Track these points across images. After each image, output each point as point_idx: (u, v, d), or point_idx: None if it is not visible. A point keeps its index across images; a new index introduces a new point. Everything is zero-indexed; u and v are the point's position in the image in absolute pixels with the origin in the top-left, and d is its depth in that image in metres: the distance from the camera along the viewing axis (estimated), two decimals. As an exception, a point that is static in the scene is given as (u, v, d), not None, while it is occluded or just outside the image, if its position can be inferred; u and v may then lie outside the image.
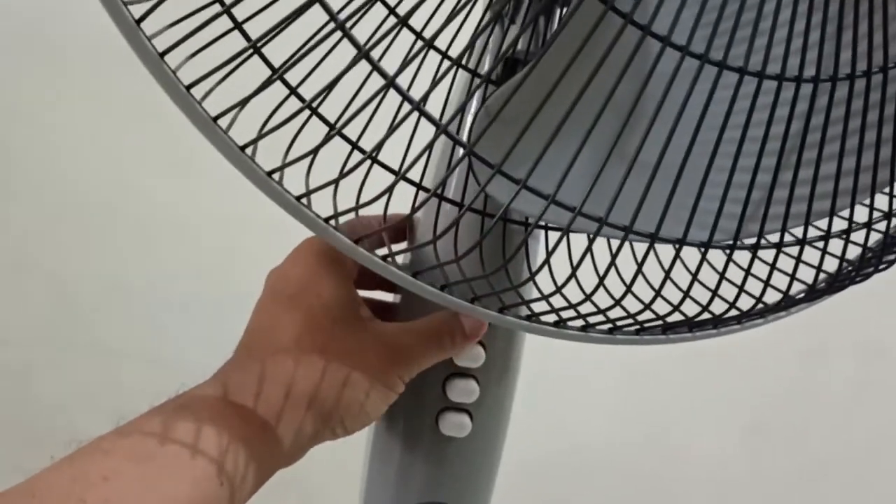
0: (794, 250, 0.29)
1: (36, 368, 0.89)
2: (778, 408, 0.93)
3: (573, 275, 0.27)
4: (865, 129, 0.26)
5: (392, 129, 0.25)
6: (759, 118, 0.27)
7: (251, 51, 0.24)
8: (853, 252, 0.32)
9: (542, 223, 0.30)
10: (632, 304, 0.30)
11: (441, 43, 0.34)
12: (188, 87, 0.23)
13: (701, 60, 0.23)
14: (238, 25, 0.26)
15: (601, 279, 0.27)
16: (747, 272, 0.27)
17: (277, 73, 0.24)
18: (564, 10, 0.34)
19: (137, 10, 0.23)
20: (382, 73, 0.24)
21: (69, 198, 0.88)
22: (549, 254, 0.26)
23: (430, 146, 0.25)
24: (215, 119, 0.24)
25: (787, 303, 0.29)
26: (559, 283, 0.29)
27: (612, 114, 0.26)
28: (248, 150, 0.24)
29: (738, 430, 0.93)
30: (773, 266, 0.28)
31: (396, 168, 0.30)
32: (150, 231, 0.89)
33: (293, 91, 0.28)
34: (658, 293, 0.27)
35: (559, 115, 0.26)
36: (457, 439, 0.40)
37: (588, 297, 0.29)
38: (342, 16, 0.23)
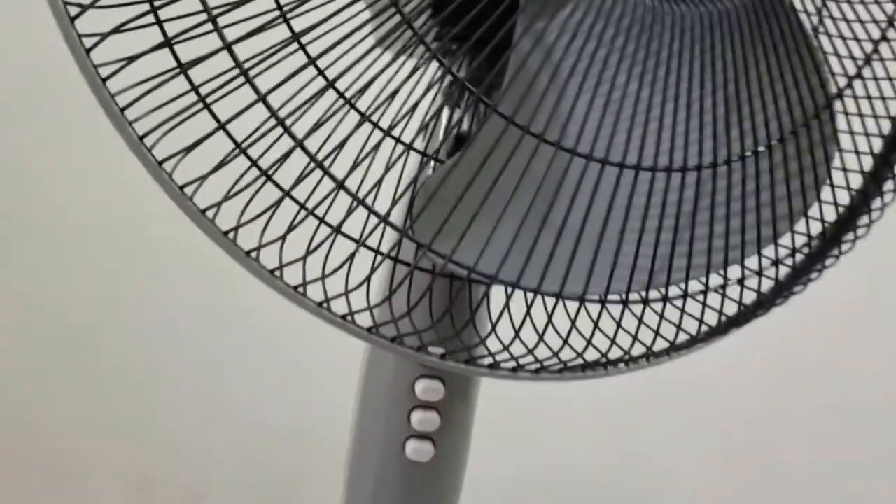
0: (680, 302, 0.35)
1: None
2: (752, 429, 0.98)
3: (495, 323, 0.33)
4: (715, 207, 0.32)
5: (348, 213, 0.32)
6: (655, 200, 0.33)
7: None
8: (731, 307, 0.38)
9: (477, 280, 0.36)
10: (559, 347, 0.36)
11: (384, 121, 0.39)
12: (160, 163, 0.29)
13: (587, 159, 0.29)
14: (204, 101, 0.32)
15: (517, 330, 0.33)
16: (620, 324, 0.33)
17: (222, 125, 0.30)
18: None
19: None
20: (330, 176, 0.30)
21: (77, 227, 0.94)
22: (475, 310, 0.32)
23: (375, 228, 0.31)
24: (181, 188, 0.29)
25: (672, 349, 0.35)
26: (492, 328, 0.35)
27: (530, 195, 0.32)
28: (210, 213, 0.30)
29: (716, 451, 0.98)
30: (640, 320, 0.34)
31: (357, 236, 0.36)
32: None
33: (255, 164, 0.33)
34: (565, 341, 0.33)
35: (482, 193, 0.32)
36: (421, 463, 0.46)
37: (516, 337, 0.35)
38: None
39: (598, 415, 0.96)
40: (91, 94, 0.29)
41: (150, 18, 0.29)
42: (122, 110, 0.27)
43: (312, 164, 0.29)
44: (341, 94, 0.35)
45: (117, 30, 0.29)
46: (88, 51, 0.27)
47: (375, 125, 0.36)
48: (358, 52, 0.33)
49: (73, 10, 0.27)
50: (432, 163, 0.40)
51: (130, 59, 0.29)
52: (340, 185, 0.29)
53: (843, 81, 0.36)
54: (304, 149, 0.29)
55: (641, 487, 0.98)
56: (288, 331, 0.93)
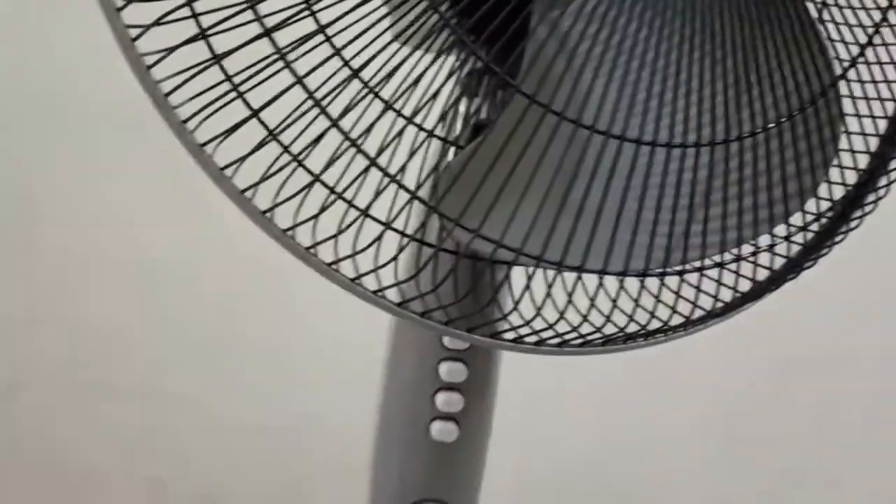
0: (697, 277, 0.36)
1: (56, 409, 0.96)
2: (753, 417, 1.00)
3: (519, 299, 0.35)
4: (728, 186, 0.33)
5: (377, 195, 0.33)
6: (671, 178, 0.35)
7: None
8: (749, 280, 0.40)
9: (499, 259, 0.37)
10: (577, 322, 0.38)
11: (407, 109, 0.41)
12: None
13: (606, 136, 0.31)
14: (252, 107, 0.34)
15: (541, 303, 0.35)
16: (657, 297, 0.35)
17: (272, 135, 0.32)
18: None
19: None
20: (363, 152, 0.31)
21: (90, 251, 0.96)
22: (500, 285, 0.34)
23: (403, 208, 0.33)
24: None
25: (688, 324, 0.37)
26: (517, 307, 0.37)
27: (550, 173, 0.34)
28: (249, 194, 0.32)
29: (716, 440, 0.99)
30: (677, 292, 0.35)
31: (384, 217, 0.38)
32: (158, 280, 0.96)
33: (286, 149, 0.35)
34: (585, 317, 0.35)
35: (504, 174, 0.33)
36: (446, 443, 0.47)
37: (538, 314, 0.37)
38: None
39: (598, 407, 0.97)
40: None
41: (187, 11, 0.31)
42: (167, 95, 0.29)
43: (344, 145, 0.31)
44: (365, 84, 0.37)
45: (157, 22, 0.30)
46: (134, 39, 0.29)
47: (399, 112, 0.38)
48: (379, 43, 0.35)
49: (119, 3, 0.29)
50: (452, 149, 0.42)
51: (170, 50, 0.31)
52: (373, 161, 0.31)
53: (847, 64, 0.37)
54: (338, 128, 0.30)
55: (640, 481, 0.99)
56: (294, 335, 0.96)
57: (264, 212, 0.31)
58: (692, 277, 0.37)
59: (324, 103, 0.31)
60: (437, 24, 0.35)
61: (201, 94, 0.32)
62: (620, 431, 0.98)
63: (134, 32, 0.29)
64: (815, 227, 0.39)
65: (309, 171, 0.35)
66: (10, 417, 0.95)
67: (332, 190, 0.35)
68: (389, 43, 0.37)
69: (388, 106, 0.35)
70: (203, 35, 0.31)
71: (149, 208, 0.95)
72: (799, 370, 0.99)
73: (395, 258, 0.34)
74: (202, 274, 0.96)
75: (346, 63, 0.37)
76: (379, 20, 0.36)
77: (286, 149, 0.34)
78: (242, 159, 0.31)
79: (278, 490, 0.97)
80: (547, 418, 0.96)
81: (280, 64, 0.30)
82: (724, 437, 0.99)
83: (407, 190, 0.32)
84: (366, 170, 0.31)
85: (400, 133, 0.35)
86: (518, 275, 0.39)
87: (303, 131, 0.32)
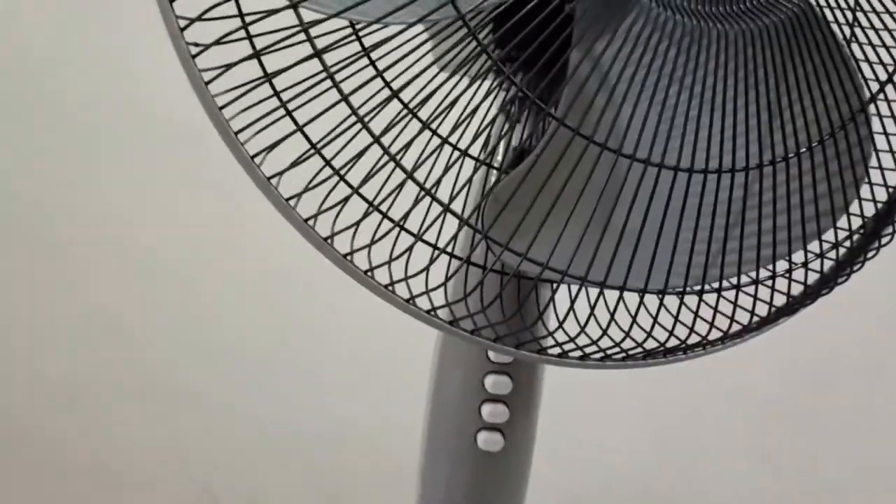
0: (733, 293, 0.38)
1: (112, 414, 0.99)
2: (788, 431, 1.00)
3: (565, 317, 0.37)
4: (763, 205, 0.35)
5: (415, 203, 0.36)
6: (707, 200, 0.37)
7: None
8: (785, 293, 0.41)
9: (545, 279, 0.39)
10: (619, 337, 0.40)
11: (455, 137, 0.43)
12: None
13: (645, 164, 0.33)
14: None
15: (586, 320, 0.36)
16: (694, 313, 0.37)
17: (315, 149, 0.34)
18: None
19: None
20: (418, 183, 0.34)
21: (146, 265, 0.99)
22: (547, 303, 0.36)
23: (455, 236, 0.35)
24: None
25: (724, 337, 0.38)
26: (560, 323, 0.39)
27: (593, 198, 0.36)
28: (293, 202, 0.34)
29: (748, 454, 1.00)
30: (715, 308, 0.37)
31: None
32: (201, 290, 0.99)
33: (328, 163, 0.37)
34: (627, 333, 0.37)
35: (551, 200, 0.35)
36: (492, 453, 0.49)
37: (582, 331, 0.39)
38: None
39: (639, 415, 0.98)
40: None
41: (242, 33, 0.34)
42: (221, 109, 0.32)
43: (385, 162, 0.33)
44: (405, 105, 0.39)
45: (218, 42, 0.33)
46: (194, 57, 0.31)
47: (434, 132, 0.40)
48: (419, 66, 0.37)
49: (183, 23, 0.32)
50: (493, 172, 0.44)
51: (228, 67, 0.33)
52: (409, 175, 0.33)
53: (875, 86, 0.39)
54: (380, 144, 0.33)
55: (681, 489, 1.00)
56: (338, 346, 0.98)
57: (326, 238, 0.34)
58: (729, 294, 0.39)
59: (366, 120, 0.33)
60: (474, 51, 0.37)
61: (250, 107, 0.34)
62: (661, 440, 0.99)
63: (194, 49, 0.32)
64: (847, 243, 0.40)
65: (349, 185, 0.37)
66: (65, 424, 0.98)
67: (389, 218, 0.37)
68: (429, 66, 0.39)
69: (425, 126, 0.37)
70: (256, 55, 0.33)
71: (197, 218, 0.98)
72: (838, 376, 0.99)
73: (448, 279, 0.36)
74: (248, 286, 0.99)
75: (386, 84, 0.40)
76: (419, 45, 0.39)
77: (328, 163, 0.36)
78: (283, 172, 0.34)
79: (322, 498, 0.99)
80: (587, 428, 0.97)
81: (326, 83, 0.33)
82: (763, 445, 1.00)
83: (453, 212, 0.34)
84: (401, 184, 0.34)
85: (437, 150, 0.38)
86: (561, 293, 0.41)
87: (343, 147, 0.34)
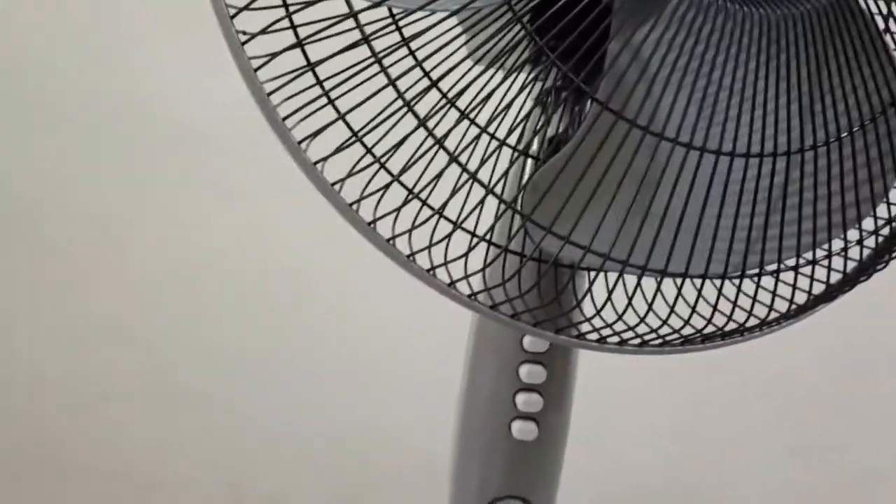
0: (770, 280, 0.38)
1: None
2: (825, 420, 0.99)
3: (604, 303, 0.37)
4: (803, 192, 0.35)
5: (454, 191, 0.36)
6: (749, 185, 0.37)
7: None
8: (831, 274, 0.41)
9: (584, 266, 0.40)
10: (655, 324, 0.40)
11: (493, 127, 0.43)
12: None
13: (687, 147, 0.33)
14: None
15: (627, 304, 0.37)
16: (734, 298, 0.37)
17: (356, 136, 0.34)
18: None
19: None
20: (461, 166, 0.34)
21: (146, 265, 1.00)
22: (587, 291, 0.36)
23: (495, 222, 0.35)
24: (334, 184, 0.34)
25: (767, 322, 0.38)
26: (599, 310, 0.39)
27: (634, 183, 0.36)
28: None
29: (779, 445, 0.99)
30: (751, 294, 0.37)
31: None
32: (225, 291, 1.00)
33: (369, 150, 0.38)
34: (665, 320, 0.37)
35: (592, 186, 0.36)
36: (527, 442, 0.49)
37: (619, 318, 0.39)
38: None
39: (669, 404, 0.98)
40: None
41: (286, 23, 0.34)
42: (269, 94, 0.32)
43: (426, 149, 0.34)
44: (444, 94, 0.39)
45: (264, 31, 0.33)
46: (243, 44, 0.32)
47: (472, 121, 0.40)
48: (457, 56, 0.38)
49: (231, 11, 0.32)
50: (530, 162, 0.44)
51: (273, 56, 0.34)
52: (454, 158, 0.33)
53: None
54: (426, 127, 0.33)
55: (711, 486, 1.00)
56: (357, 347, 0.98)
57: (370, 223, 0.34)
58: (767, 281, 0.39)
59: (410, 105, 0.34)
60: (514, 39, 0.37)
61: (295, 95, 0.35)
62: (690, 431, 0.99)
63: (243, 38, 0.32)
64: (885, 231, 0.40)
65: (389, 172, 0.37)
66: (65, 424, 0.99)
67: (428, 205, 0.37)
68: (465, 58, 0.39)
69: (464, 115, 0.37)
70: (300, 44, 0.34)
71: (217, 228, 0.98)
72: (876, 363, 0.98)
73: (486, 265, 0.36)
74: (268, 286, 0.99)
75: (426, 74, 0.40)
76: (456, 36, 0.39)
77: (369, 150, 0.36)
78: (326, 158, 0.34)
79: (347, 494, 1.00)
80: (619, 418, 0.97)
81: (366, 73, 0.33)
82: (796, 435, 0.99)
83: (495, 194, 0.34)
84: (441, 171, 0.34)
85: (475, 140, 0.38)
86: (598, 281, 0.41)
87: (387, 133, 0.34)
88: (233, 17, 0.32)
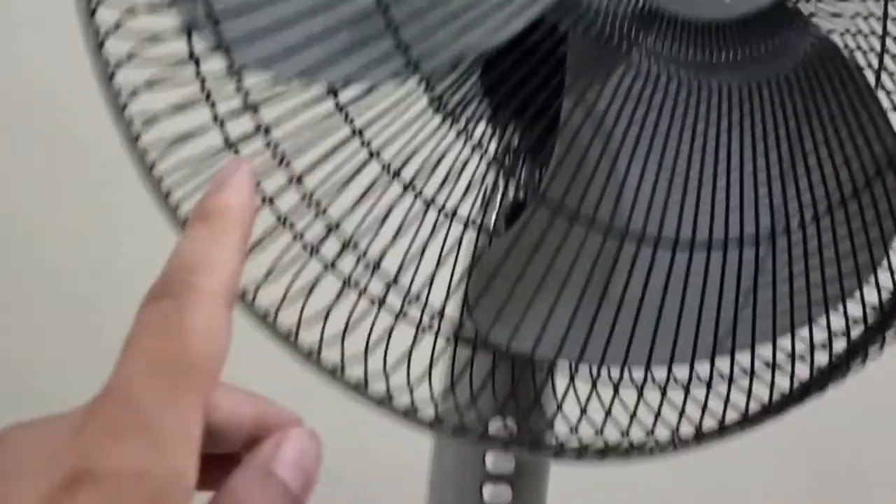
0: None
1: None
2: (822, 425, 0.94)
3: (559, 406, 0.33)
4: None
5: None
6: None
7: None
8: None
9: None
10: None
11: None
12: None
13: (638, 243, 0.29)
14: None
15: (583, 410, 0.33)
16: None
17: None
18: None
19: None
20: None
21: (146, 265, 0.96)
22: (538, 395, 0.32)
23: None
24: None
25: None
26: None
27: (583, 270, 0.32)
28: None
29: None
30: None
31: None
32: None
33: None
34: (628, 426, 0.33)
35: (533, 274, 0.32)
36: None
37: (582, 415, 0.35)
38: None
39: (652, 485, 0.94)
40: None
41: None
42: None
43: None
44: (385, 167, 0.36)
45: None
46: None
47: (417, 195, 0.36)
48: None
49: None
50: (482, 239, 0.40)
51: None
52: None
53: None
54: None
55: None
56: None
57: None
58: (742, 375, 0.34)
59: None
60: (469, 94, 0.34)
61: None
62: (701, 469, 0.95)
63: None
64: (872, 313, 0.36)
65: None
66: None
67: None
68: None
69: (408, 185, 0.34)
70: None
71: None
72: (875, 365, 0.94)
73: (430, 371, 0.32)
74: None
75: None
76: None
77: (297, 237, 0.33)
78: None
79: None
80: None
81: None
82: (809, 474, 0.95)
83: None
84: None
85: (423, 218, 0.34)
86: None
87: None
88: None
